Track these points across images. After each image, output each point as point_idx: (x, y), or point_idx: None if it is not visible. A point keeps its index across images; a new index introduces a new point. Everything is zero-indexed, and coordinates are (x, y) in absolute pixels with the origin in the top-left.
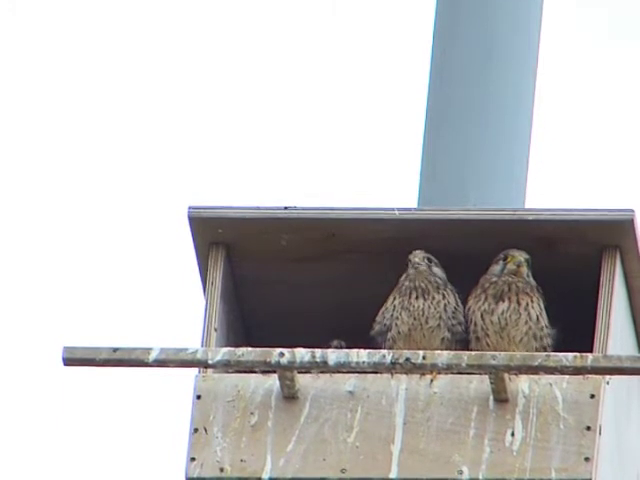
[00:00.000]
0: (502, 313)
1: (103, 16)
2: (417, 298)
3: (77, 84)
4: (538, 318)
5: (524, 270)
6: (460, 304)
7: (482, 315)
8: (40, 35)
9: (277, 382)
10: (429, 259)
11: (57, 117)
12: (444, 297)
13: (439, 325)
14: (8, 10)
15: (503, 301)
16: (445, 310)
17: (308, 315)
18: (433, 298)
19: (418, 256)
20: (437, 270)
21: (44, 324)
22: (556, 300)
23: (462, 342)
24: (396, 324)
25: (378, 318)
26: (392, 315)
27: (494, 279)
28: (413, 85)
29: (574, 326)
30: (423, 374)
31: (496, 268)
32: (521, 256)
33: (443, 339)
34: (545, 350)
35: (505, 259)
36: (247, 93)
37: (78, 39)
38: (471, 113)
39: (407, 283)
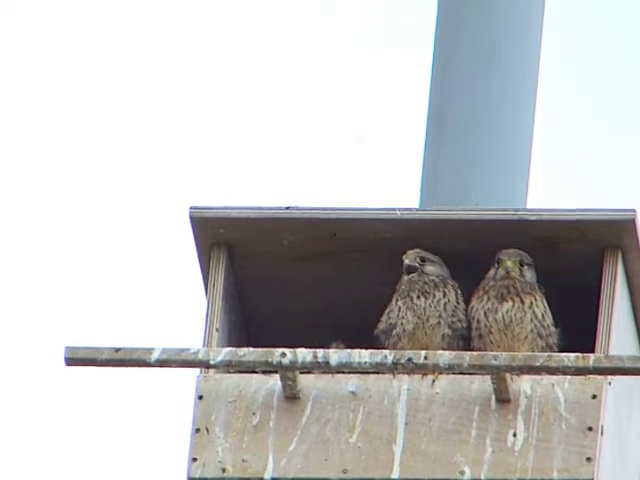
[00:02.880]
0: (507, 312)
1: (103, 16)
2: (419, 297)
3: (77, 84)
4: (543, 316)
5: (515, 274)
6: (462, 301)
7: (485, 313)
8: (40, 35)
9: (279, 382)
10: (422, 258)
11: (57, 117)
12: (444, 295)
13: (439, 323)
14: (8, 10)
15: (507, 301)
16: (445, 309)
17: (310, 315)
18: (434, 296)
19: (410, 257)
20: (431, 269)
21: (46, 324)
22: (558, 300)
23: (464, 338)
24: (401, 323)
25: (383, 318)
26: (398, 315)
27: (492, 283)
28: (415, 85)
29: (576, 326)
30: (425, 374)
31: (491, 272)
32: (509, 260)
33: (444, 335)
34: (551, 349)
35: (498, 262)
36: (248, 93)
37: (78, 39)
38: (473, 113)
39: (403, 287)
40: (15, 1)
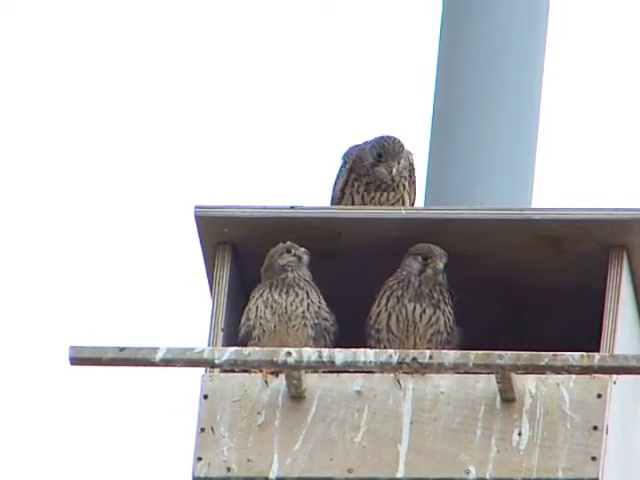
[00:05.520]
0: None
1: (103, 16)
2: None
3: (78, 84)
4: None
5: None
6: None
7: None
8: (40, 35)
9: (284, 382)
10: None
11: (59, 117)
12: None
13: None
14: (8, 10)
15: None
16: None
17: None
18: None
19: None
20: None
21: (51, 323)
22: (562, 299)
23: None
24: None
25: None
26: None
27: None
28: (420, 84)
29: (581, 325)
30: (424, 373)
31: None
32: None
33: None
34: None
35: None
36: (251, 93)
37: (78, 39)
38: (478, 112)
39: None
40: (15, 1)
